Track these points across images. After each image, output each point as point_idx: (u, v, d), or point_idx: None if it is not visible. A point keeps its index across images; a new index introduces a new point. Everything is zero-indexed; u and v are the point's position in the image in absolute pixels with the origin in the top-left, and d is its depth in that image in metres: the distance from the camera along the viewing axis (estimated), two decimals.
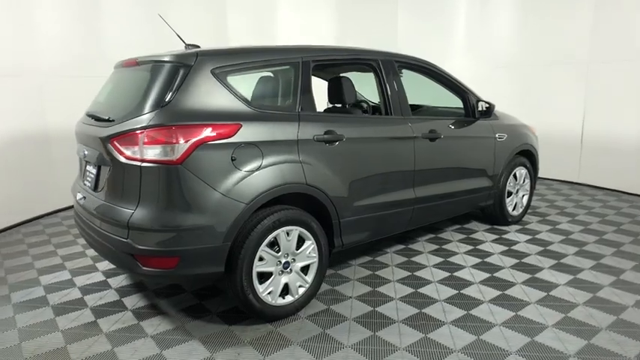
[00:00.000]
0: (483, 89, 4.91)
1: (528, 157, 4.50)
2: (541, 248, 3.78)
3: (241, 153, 2.50)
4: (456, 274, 3.32)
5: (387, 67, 3.36)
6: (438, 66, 3.80)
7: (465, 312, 2.77)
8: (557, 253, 3.66)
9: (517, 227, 4.36)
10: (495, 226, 4.38)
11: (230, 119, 2.50)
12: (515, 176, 4.37)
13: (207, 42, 3.32)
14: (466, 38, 6.41)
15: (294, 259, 2.77)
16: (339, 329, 2.63)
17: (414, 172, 3.41)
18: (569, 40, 5.54)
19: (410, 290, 3.08)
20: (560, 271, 3.32)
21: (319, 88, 3.20)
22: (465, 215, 4.66)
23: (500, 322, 2.66)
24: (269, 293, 2.68)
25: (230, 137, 2.47)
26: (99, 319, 2.78)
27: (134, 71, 2.78)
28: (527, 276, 3.25)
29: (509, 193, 4.37)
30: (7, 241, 4.22)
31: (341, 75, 3.39)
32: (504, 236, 4.11)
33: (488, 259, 3.57)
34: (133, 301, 3.01)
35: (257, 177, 2.54)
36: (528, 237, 4.08)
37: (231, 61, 2.64)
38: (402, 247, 3.86)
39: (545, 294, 2.98)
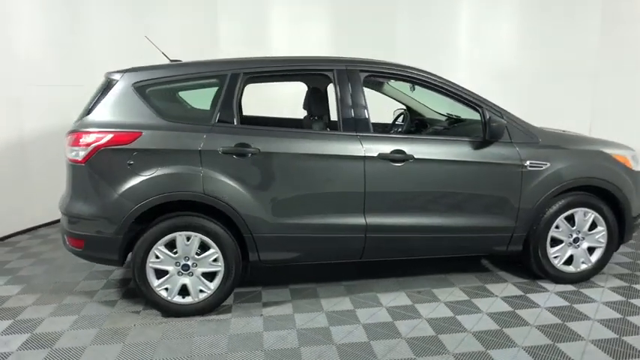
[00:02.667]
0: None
1: (605, 196, 3.28)
2: None
3: (138, 158, 2.79)
4: None
5: (344, 77, 3.05)
6: (435, 74, 3.18)
7: None
8: None
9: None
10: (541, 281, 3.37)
11: (136, 128, 2.82)
12: (570, 220, 3.26)
13: (197, 54, 3.65)
14: (467, 49, 5.94)
15: (195, 264, 2.91)
16: None
17: (365, 196, 3.00)
18: (574, 52, 5.31)
19: None
20: None
21: None
22: None
23: None
24: (165, 289, 2.90)
25: (128, 144, 2.79)
26: None
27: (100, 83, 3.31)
28: None
29: (557, 241, 3.29)
30: None
31: (313, 87, 3.26)
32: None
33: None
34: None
35: (149, 181, 2.79)
36: None
37: (153, 76, 2.94)
38: None
39: None
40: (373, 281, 3.42)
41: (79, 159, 2.81)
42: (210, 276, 2.95)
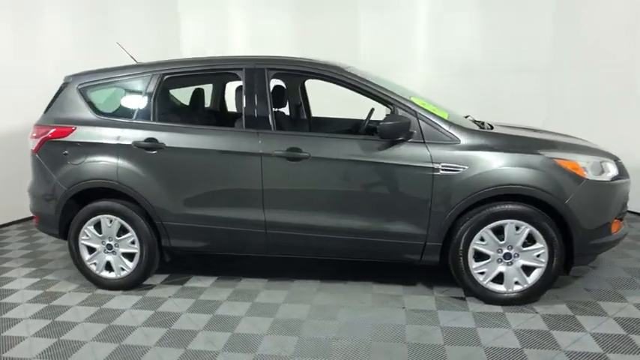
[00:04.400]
0: (444, 96, 4.33)
1: (544, 208, 2.82)
2: None
3: (72, 149, 3.26)
4: None
5: (251, 76, 3.13)
6: (348, 71, 3.06)
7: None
8: None
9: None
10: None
11: (72, 124, 3.30)
12: (501, 233, 2.87)
13: (159, 53, 3.99)
14: (427, 45, 5.93)
15: (117, 244, 3.30)
16: None
17: (263, 193, 3.06)
18: (528, 48, 5.35)
19: None
20: None
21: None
22: None
23: None
24: (94, 264, 3.34)
25: (64, 137, 3.28)
26: None
27: None
28: None
29: (482, 256, 2.93)
30: None
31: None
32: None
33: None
34: None
35: (78, 169, 3.24)
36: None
37: (93, 78, 3.38)
38: None
39: None
40: None
41: (33, 149, 3.39)
42: (130, 256, 3.30)
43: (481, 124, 3.46)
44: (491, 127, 3.34)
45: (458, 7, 5.71)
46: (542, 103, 5.41)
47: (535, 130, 3.51)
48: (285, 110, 3.94)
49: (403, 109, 2.95)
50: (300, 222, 3.06)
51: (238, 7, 6.47)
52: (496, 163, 2.84)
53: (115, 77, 3.38)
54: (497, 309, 2.91)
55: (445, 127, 2.93)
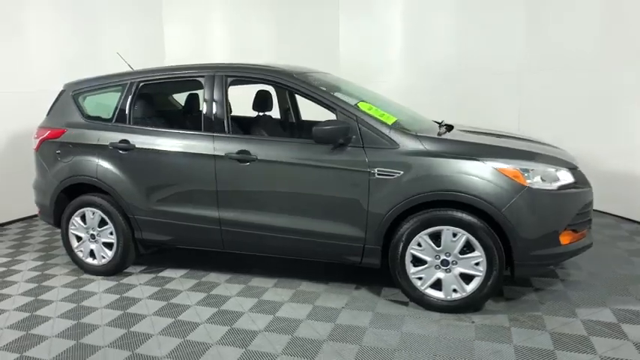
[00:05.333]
0: (421, 99, 4.99)
1: (483, 216, 2.77)
2: None
3: (63, 149, 3.69)
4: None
5: (211, 82, 3.35)
6: (297, 78, 3.19)
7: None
8: None
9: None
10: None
11: (65, 126, 3.73)
12: (438, 238, 2.86)
13: (144, 59, 4.32)
14: (406, 50, 6.18)
15: (99, 234, 3.67)
16: None
17: (217, 193, 3.27)
18: (501, 51, 5.49)
19: None
20: None
21: None
22: None
23: None
24: (80, 251, 3.75)
25: (57, 138, 3.71)
26: None
27: None
28: None
29: (421, 261, 2.92)
30: None
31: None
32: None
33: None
34: None
35: (67, 166, 3.66)
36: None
37: (84, 85, 3.80)
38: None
39: None
40: None
41: (35, 148, 3.87)
42: (109, 246, 3.67)
43: (449, 128, 3.44)
44: (449, 130, 3.33)
45: (434, 14, 5.93)
46: (516, 105, 5.49)
47: (499, 135, 3.42)
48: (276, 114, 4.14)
49: (345, 115, 3.03)
50: (250, 221, 3.24)
51: (221, 15, 6.91)
52: (432, 169, 2.83)
53: (101, 84, 3.77)
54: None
55: (385, 132, 2.97)
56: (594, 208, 3.12)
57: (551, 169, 2.84)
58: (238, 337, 2.74)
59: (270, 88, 3.89)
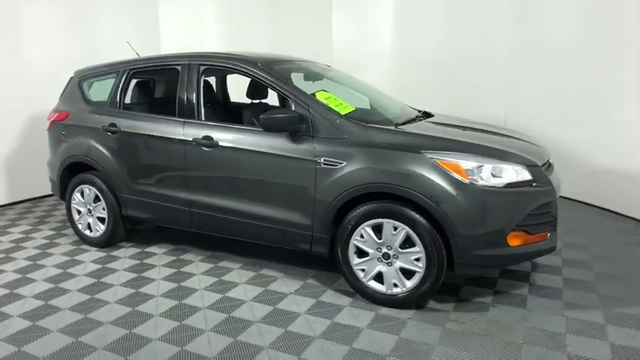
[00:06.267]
0: (413, 89, 5.33)
1: (423, 211, 2.70)
2: None
3: (68, 130, 4.07)
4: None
5: (185, 70, 3.52)
6: (262, 68, 3.26)
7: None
8: None
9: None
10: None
11: (69, 110, 4.11)
12: (380, 231, 2.83)
13: (140, 51, 4.56)
14: (396, 40, 6.33)
15: (94, 209, 4.03)
16: None
17: (186, 175, 3.46)
18: (490, 43, 5.54)
19: None
20: None
21: None
22: None
23: None
24: (80, 224, 4.13)
25: (63, 120, 4.10)
26: None
27: None
28: None
29: (362, 253, 2.90)
30: None
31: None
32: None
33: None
34: None
35: (68, 146, 4.04)
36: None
37: (87, 72, 4.14)
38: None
39: None
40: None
41: (47, 128, 4.30)
42: (102, 220, 4.01)
43: (427, 116, 3.47)
44: (421, 119, 3.33)
45: (425, 6, 6.04)
46: (504, 95, 5.55)
47: (472, 128, 3.28)
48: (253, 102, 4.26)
49: (298, 104, 3.06)
50: (214, 204, 3.39)
51: (216, 8, 7.22)
52: (373, 161, 2.79)
53: (102, 71, 4.09)
54: None
55: (334, 122, 2.96)
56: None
57: (502, 165, 2.68)
58: (224, 304, 2.91)
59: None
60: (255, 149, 3.16)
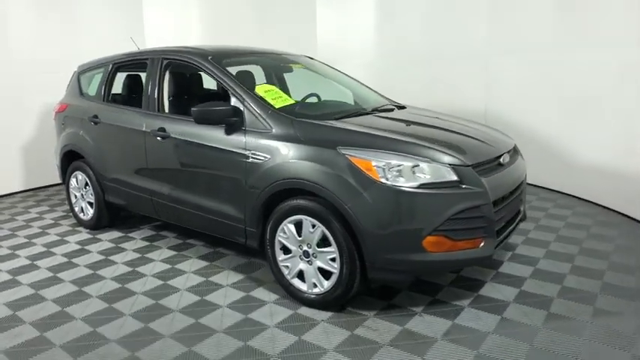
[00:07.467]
0: (394, 81, 5.53)
1: (330, 208, 2.59)
2: None
3: (67, 120, 4.43)
4: None
5: (151, 64, 3.66)
6: (213, 64, 3.28)
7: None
8: None
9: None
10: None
11: (68, 102, 4.46)
12: (297, 229, 2.76)
13: (124, 46, 4.77)
14: (377, 33, 6.48)
15: (85, 194, 4.36)
16: None
17: (147, 165, 3.61)
18: (467, 36, 5.60)
19: None
20: None
21: None
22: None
23: None
24: (76, 207, 4.49)
25: (63, 111, 4.47)
26: None
27: None
28: None
29: (287, 250, 2.84)
30: None
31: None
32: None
33: None
34: None
35: (65, 135, 4.39)
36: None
37: (85, 67, 4.46)
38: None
39: None
40: None
41: (53, 118, 4.70)
42: (92, 204, 4.32)
43: (396, 108, 3.50)
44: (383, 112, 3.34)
45: (405, 1, 6.14)
46: (482, 86, 5.58)
47: (422, 124, 3.09)
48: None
49: (235, 97, 3.05)
50: (168, 193, 3.51)
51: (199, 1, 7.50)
52: (292, 155, 2.73)
53: (95, 66, 4.38)
54: None
55: (264, 115, 2.92)
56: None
57: (421, 164, 2.47)
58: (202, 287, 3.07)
59: (252, 68, 4.06)
60: (197, 141, 3.21)
